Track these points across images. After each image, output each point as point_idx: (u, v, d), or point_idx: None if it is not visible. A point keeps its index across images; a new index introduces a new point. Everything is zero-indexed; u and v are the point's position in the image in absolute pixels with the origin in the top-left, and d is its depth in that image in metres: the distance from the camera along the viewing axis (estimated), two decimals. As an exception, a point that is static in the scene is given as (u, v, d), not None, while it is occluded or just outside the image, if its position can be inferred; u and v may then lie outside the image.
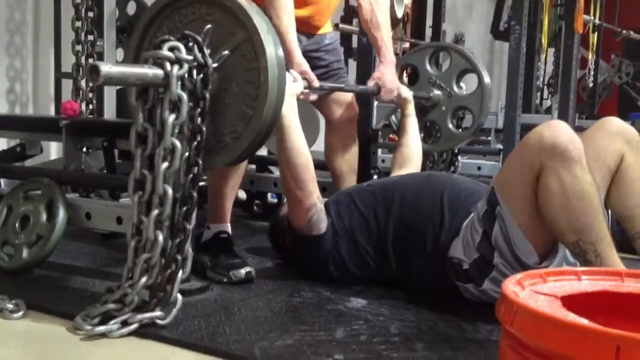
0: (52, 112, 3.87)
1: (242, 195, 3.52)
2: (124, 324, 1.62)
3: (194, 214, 1.73)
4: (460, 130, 3.17)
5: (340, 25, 3.80)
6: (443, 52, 3.27)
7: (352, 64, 4.10)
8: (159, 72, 1.61)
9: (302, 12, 2.37)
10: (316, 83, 2.20)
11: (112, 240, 2.60)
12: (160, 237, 1.63)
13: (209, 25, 1.69)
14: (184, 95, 1.62)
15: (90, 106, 3.33)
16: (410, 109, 2.69)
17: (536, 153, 1.67)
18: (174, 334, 1.61)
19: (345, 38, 4.54)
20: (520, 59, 3.42)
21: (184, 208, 1.68)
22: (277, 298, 1.95)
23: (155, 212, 1.63)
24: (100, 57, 3.21)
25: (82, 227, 2.24)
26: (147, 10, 1.83)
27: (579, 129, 1.84)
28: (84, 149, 2.67)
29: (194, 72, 1.65)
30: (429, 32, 5.64)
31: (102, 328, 1.59)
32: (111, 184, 2.32)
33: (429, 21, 5.52)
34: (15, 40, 3.87)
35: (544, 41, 5.46)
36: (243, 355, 1.49)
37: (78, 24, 3.25)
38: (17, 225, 2.12)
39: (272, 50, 1.67)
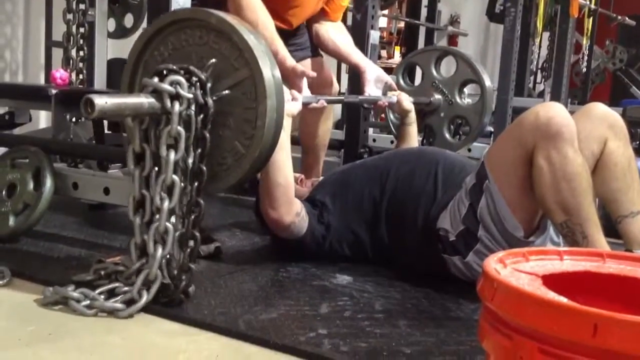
0: (42, 80, 3.84)
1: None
2: (110, 294, 1.61)
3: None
4: (455, 138, 3.17)
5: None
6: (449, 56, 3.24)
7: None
8: (156, 104, 1.57)
9: (286, 20, 2.43)
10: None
11: (99, 211, 2.60)
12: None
13: (213, 60, 1.64)
14: (183, 132, 1.58)
15: (81, 76, 3.30)
16: (411, 118, 2.70)
17: (530, 132, 1.70)
18: (159, 305, 1.61)
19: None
20: (515, 41, 3.43)
21: (187, 250, 1.64)
22: (263, 272, 1.95)
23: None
24: (92, 26, 3.17)
25: (69, 197, 2.23)
26: (157, 20, 1.76)
27: (570, 114, 1.86)
28: (73, 119, 2.65)
29: (192, 107, 1.60)
30: (424, 12, 5.62)
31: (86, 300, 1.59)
32: (100, 154, 2.32)
33: (424, 1, 5.50)
34: (6, 7, 3.83)
35: (539, 25, 5.44)
36: (227, 327, 1.50)
37: (70, -8, 3.21)
38: (3, 193, 2.11)
39: (272, 95, 1.62)
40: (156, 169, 1.62)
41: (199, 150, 1.63)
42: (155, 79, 1.60)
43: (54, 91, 2.41)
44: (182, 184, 1.61)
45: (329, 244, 2.05)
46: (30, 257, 1.97)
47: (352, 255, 2.07)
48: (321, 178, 2.32)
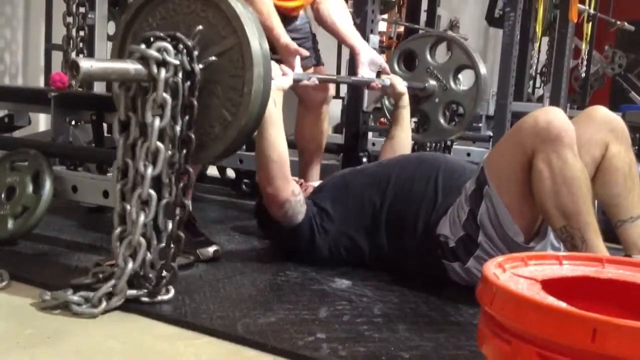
0: (41, 83, 3.84)
1: (231, 174, 3.52)
2: (109, 297, 1.61)
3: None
4: (450, 124, 3.17)
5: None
6: (444, 42, 3.25)
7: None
8: (142, 70, 1.59)
9: (291, 4, 2.43)
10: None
11: (98, 214, 2.60)
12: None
13: (200, 27, 1.65)
14: (169, 99, 1.60)
15: (80, 79, 3.30)
16: (404, 101, 2.70)
17: (530, 136, 1.70)
18: (158, 309, 1.61)
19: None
20: (514, 46, 3.42)
21: (176, 218, 1.66)
22: (262, 276, 1.95)
23: (141, 218, 1.62)
24: (91, 29, 3.17)
25: (68, 200, 2.23)
26: None
27: (569, 119, 1.86)
28: (73, 122, 2.65)
29: (179, 74, 1.62)
30: (423, 16, 5.62)
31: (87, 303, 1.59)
32: (99, 157, 2.31)
33: (424, 5, 5.50)
34: (5, 10, 3.83)
35: (538, 29, 5.45)
36: (226, 331, 1.50)
37: (70, -5, 3.21)
38: (2, 195, 2.11)
39: (259, 63, 1.64)
40: (143, 138, 1.63)
41: (187, 118, 1.64)
42: (142, 46, 1.61)
43: (53, 94, 2.40)
44: (170, 152, 1.63)
45: (328, 249, 2.05)
46: (29, 260, 1.97)
47: (348, 260, 2.07)
48: (320, 182, 2.32)
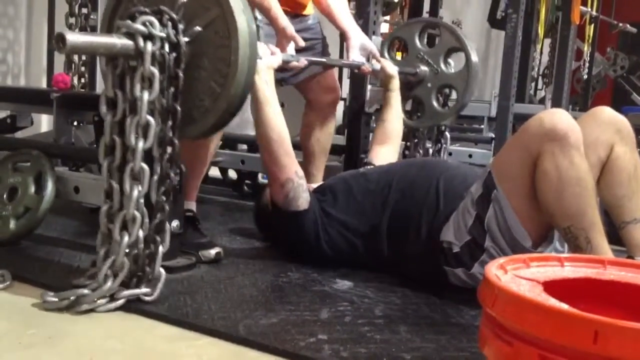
0: (44, 84, 3.85)
1: (233, 175, 3.52)
2: (111, 298, 1.62)
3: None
4: (444, 108, 3.17)
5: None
6: (435, 28, 3.25)
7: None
8: (129, 43, 1.60)
9: None
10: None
11: (101, 214, 2.60)
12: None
13: (183, 0, 1.67)
14: (157, 72, 1.61)
15: (82, 79, 3.32)
16: (394, 85, 2.72)
17: (536, 138, 1.69)
18: (159, 310, 1.61)
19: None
20: (516, 48, 3.43)
21: (162, 189, 1.67)
22: (263, 277, 1.95)
23: (135, 191, 1.63)
24: (94, 30, 3.19)
25: (70, 201, 2.23)
26: None
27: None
28: (75, 123, 2.66)
29: (166, 47, 1.63)
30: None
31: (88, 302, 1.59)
32: (101, 158, 2.32)
33: (426, 7, 5.51)
34: (8, 10, 3.84)
35: (541, 31, 5.46)
36: (228, 332, 1.50)
37: (72, -4, 3.23)
38: (5, 196, 2.11)
39: (244, 31, 1.65)
40: (132, 113, 1.64)
41: (172, 89, 1.65)
42: (128, 22, 1.62)
43: (55, 95, 2.41)
44: (158, 126, 1.64)
45: (330, 248, 2.05)
46: (31, 260, 1.97)
47: (350, 261, 2.06)
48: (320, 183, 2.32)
